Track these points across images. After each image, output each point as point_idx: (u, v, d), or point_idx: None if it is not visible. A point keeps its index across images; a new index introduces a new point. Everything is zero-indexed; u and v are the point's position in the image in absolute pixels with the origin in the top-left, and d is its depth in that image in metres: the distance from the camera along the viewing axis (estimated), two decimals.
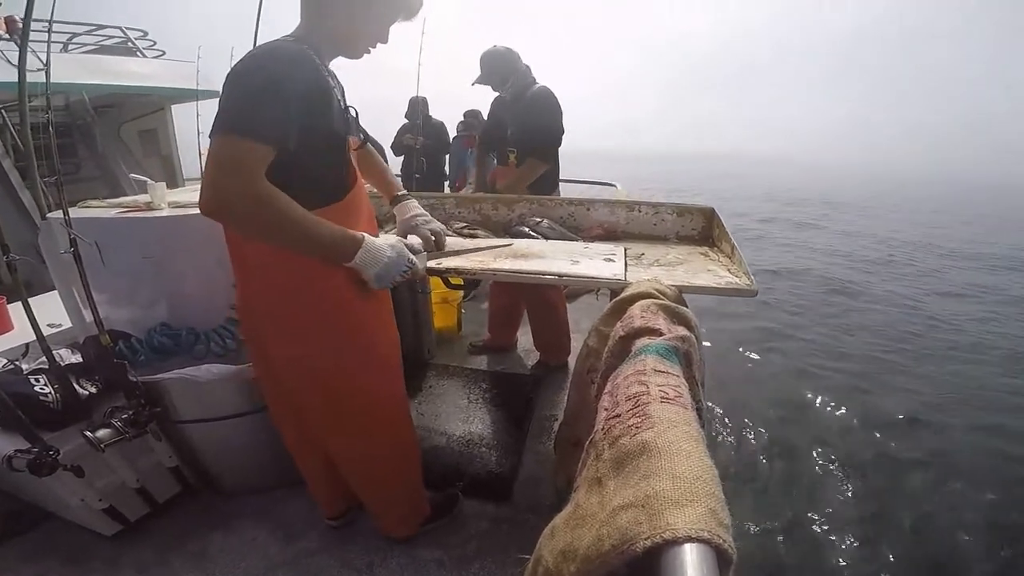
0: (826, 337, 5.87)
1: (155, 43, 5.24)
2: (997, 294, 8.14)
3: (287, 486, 1.85)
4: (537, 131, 2.40)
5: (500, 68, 2.40)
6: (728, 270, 1.50)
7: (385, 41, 1.23)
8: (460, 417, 2.45)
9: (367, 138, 1.38)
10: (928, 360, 5.24)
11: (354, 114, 1.28)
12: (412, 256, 1.24)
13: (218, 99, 1.04)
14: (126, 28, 5.08)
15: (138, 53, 5.01)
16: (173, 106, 5.21)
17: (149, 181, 1.90)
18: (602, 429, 0.70)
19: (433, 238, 1.51)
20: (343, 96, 1.23)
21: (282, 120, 1.01)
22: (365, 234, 1.16)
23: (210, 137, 0.99)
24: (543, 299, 2.70)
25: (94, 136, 4.58)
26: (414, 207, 1.55)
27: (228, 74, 1.02)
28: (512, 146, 2.47)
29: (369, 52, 1.23)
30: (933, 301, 7.48)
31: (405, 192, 1.59)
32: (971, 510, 2.97)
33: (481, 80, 2.46)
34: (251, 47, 1.16)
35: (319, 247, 1.11)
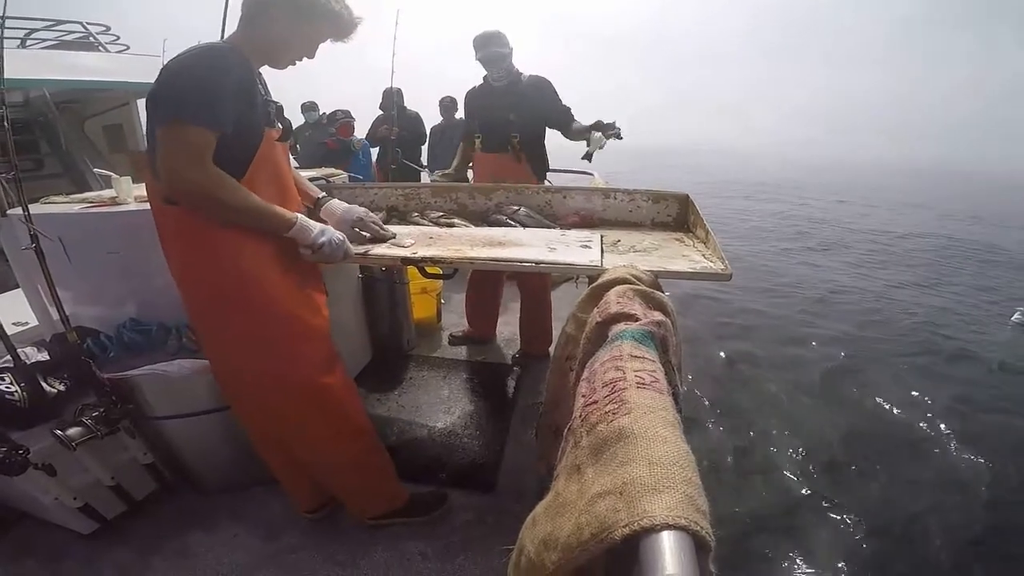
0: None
1: (118, 38, 5.09)
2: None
3: (267, 483, 1.81)
4: (553, 110, 2.50)
5: (502, 44, 2.39)
6: (703, 255, 1.51)
7: (311, 57, 1.37)
8: (442, 408, 2.44)
9: (289, 131, 1.45)
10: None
11: (273, 109, 1.36)
12: (340, 234, 1.37)
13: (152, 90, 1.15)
14: (87, 23, 4.93)
15: (100, 48, 4.87)
16: (139, 101, 5.09)
17: (113, 176, 1.85)
18: (580, 416, 0.70)
19: (369, 222, 1.60)
20: (266, 91, 1.35)
21: (224, 109, 1.14)
22: (299, 216, 1.31)
23: (156, 125, 1.12)
24: (533, 287, 2.71)
25: (57, 132, 4.43)
26: (339, 203, 1.62)
27: (167, 66, 1.14)
28: (516, 131, 2.48)
29: (294, 64, 1.36)
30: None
31: (324, 195, 1.65)
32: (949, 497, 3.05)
33: (485, 56, 2.41)
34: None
35: (264, 222, 1.25)
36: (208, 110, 1.11)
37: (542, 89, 2.48)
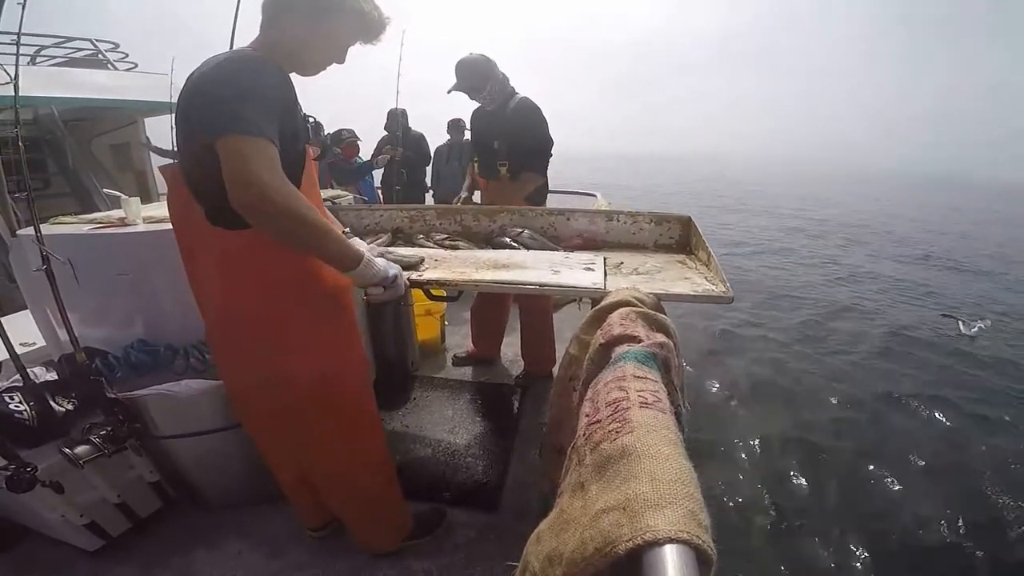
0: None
1: (127, 55, 5.15)
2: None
3: (271, 500, 1.82)
4: (530, 147, 2.41)
5: (475, 75, 2.37)
6: (705, 277, 1.53)
7: (341, 62, 1.27)
8: (445, 428, 2.44)
9: (327, 149, 1.40)
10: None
11: (312, 124, 1.30)
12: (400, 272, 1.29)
13: (196, 101, 1.05)
14: (96, 40, 4.99)
15: (109, 65, 4.93)
16: (147, 119, 5.13)
17: (123, 196, 1.88)
18: (584, 435, 0.72)
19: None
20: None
21: (276, 123, 1.04)
22: (364, 249, 1.21)
23: (213, 136, 0.99)
24: (537, 309, 2.71)
25: (64, 151, 4.46)
26: (361, 243, 1.54)
27: (209, 76, 1.05)
28: (503, 159, 2.46)
29: (323, 70, 1.25)
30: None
31: (347, 231, 1.61)
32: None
33: (457, 87, 2.43)
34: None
35: (336, 250, 1.13)
36: (267, 122, 1.02)
37: (523, 118, 2.39)
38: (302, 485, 1.60)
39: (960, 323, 6.00)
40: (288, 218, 1.02)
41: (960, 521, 2.93)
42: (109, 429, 1.52)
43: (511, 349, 3.07)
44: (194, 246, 1.24)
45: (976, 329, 5.85)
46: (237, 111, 0.99)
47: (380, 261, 1.24)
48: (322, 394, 1.34)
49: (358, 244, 1.44)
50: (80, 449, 1.45)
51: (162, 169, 1.25)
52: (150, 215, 1.92)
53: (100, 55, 4.96)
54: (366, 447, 1.51)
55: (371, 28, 1.24)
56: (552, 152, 2.48)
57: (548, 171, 2.53)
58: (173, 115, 1.28)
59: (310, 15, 1.15)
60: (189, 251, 1.26)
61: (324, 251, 1.13)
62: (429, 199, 5.11)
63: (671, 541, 0.43)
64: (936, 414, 4.11)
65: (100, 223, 1.84)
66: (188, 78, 1.10)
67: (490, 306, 2.91)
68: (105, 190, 4.14)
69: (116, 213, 1.99)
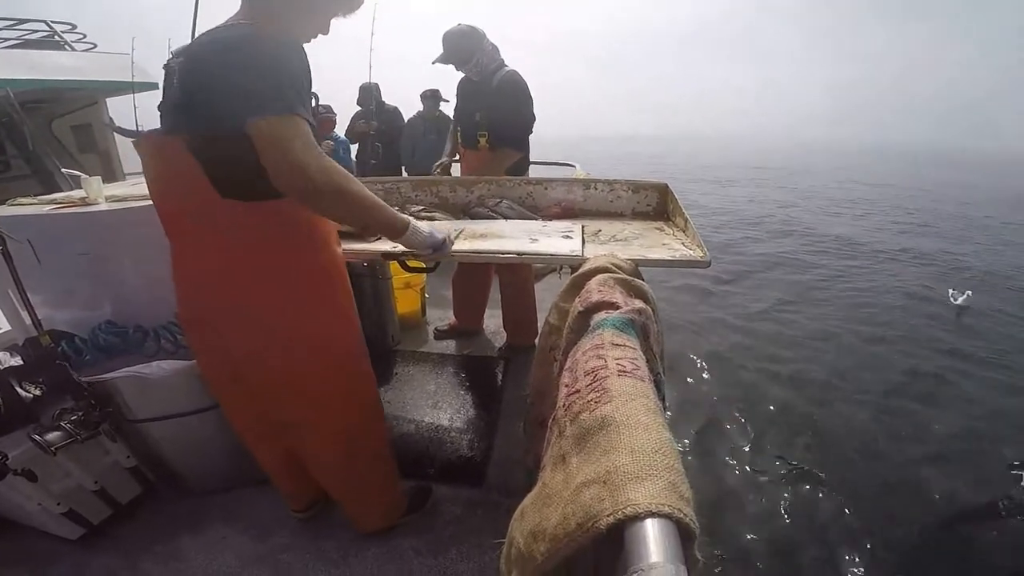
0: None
1: (85, 36, 4.97)
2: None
3: (254, 484, 1.80)
4: (510, 121, 2.37)
5: (462, 47, 2.32)
6: (682, 243, 1.52)
7: (327, 33, 1.23)
8: (428, 403, 2.43)
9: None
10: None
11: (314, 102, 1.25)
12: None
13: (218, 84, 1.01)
14: (52, 21, 4.80)
15: (66, 47, 4.75)
16: (109, 100, 4.96)
17: (83, 176, 1.81)
18: (563, 406, 0.70)
19: None
20: None
21: (306, 98, 1.05)
22: (410, 217, 1.25)
23: (245, 118, 0.97)
24: (517, 279, 2.70)
25: (23, 133, 4.32)
26: None
27: (225, 54, 1.01)
28: (483, 130, 2.42)
29: (310, 42, 1.20)
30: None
31: None
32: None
33: (443, 59, 2.37)
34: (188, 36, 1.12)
35: (386, 221, 1.19)
36: (302, 101, 1.02)
37: (507, 93, 2.34)
38: (287, 466, 1.58)
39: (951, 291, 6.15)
40: (336, 195, 1.05)
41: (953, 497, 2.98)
42: (80, 414, 1.48)
43: (493, 321, 3.06)
44: (187, 220, 1.18)
45: (964, 298, 5.92)
46: (273, 90, 0.98)
47: (424, 225, 1.28)
48: (327, 363, 1.33)
49: None
50: (51, 436, 1.41)
51: (140, 142, 1.18)
52: (113, 194, 1.85)
53: (56, 36, 4.77)
54: (366, 422, 1.50)
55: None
56: (533, 129, 2.44)
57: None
58: (162, 86, 1.20)
59: None
60: (179, 226, 1.19)
61: (373, 220, 1.17)
62: (404, 174, 4.99)
63: (652, 515, 0.42)
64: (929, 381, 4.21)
65: (60, 203, 1.77)
66: (188, 54, 1.06)
67: (471, 277, 2.88)
68: (65, 170, 4.00)
69: (77, 193, 1.92)
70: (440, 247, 1.31)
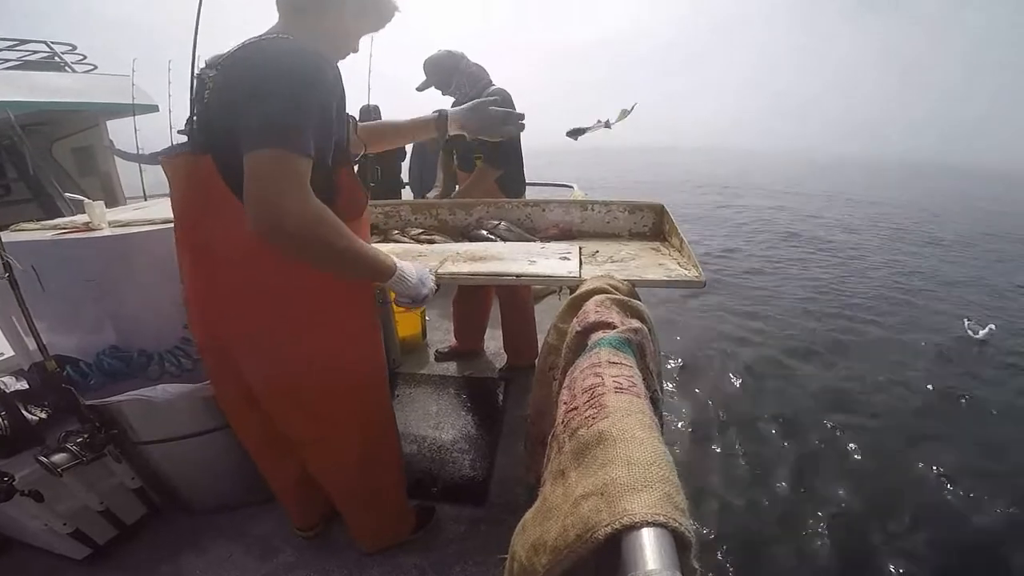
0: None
1: (85, 57, 5.02)
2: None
3: (258, 503, 1.82)
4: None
5: (441, 71, 2.36)
6: (678, 263, 1.55)
7: (356, 51, 1.20)
8: (431, 424, 2.44)
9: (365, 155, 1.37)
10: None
11: (353, 125, 1.23)
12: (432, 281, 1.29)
13: (228, 102, 0.98)
14: (52, 43, 4.86)
15: (67, 68, 4.80)
16: (109, 122, 4.99)
17: (86, 200, 1.83)
18: (562, 422, 0.73)
19: None
20: None
21: (321, 133, 0.98)
22: (396, 260, 1.17)
23: (245, 146, 0.91)
24: (517, 300, 2.72)
25: (24, 156, 4.33)
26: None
27: (246, 75, 0.96)
28: (478, 152, 2.43)
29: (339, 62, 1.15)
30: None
31: (440, 110, 1.60)
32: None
33: (424, 86, 2.43)
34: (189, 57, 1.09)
35: (364, 270, 1.11)
36: (306, 134, 0.93)
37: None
38: (298, 484, 1.58)
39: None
40: (304, 241, 0.95)
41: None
42: (86, 436, 1.50)
43: (494, 342, 3.08)
44: (214, 239, 1.11)
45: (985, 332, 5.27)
46: (273, 121, 0.91)
47: (414, 274, 1.20)
48: (352, 383, 1.32)
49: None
50: (57, 457, 1.43)
51: (166, 161, 1.14)
52: (116, 219, 1.87)
53: (57, 57, 4.82)
54: (381, 440, 1.50)
55: (387, 18, 1.20)
56: (518, 145, 2.43)
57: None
58: (191, 97, 1.15)
59: (359, 5, 1.10)
60: (202, 246, 1.14)
61: (354, 273, 1.12)
62: (407, 195, 5.00)
63: (648, 525, 0.44)
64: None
65: (64, 228, 1.79)
66: (223, 68, 1.01)
67: (471, 299, 2.90)
68: (68, 195, 4.02)
69: (81, 218, 1.93)
70: (420, 301, 1.24)
